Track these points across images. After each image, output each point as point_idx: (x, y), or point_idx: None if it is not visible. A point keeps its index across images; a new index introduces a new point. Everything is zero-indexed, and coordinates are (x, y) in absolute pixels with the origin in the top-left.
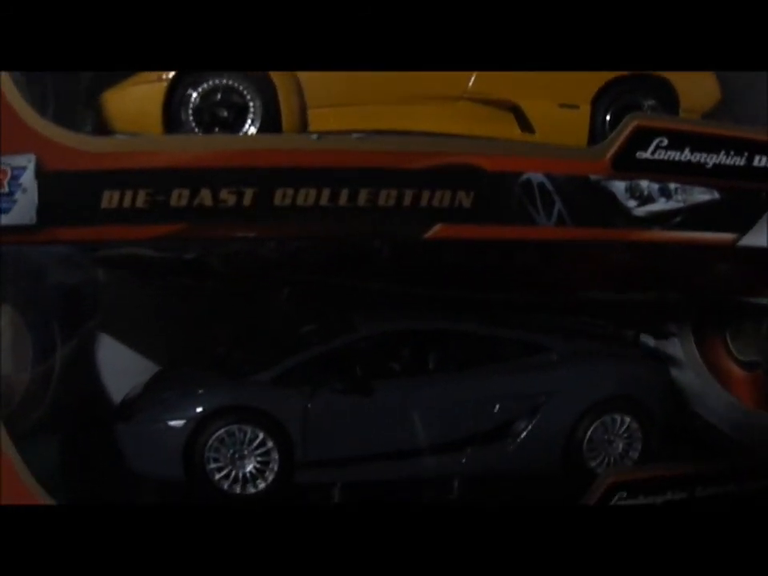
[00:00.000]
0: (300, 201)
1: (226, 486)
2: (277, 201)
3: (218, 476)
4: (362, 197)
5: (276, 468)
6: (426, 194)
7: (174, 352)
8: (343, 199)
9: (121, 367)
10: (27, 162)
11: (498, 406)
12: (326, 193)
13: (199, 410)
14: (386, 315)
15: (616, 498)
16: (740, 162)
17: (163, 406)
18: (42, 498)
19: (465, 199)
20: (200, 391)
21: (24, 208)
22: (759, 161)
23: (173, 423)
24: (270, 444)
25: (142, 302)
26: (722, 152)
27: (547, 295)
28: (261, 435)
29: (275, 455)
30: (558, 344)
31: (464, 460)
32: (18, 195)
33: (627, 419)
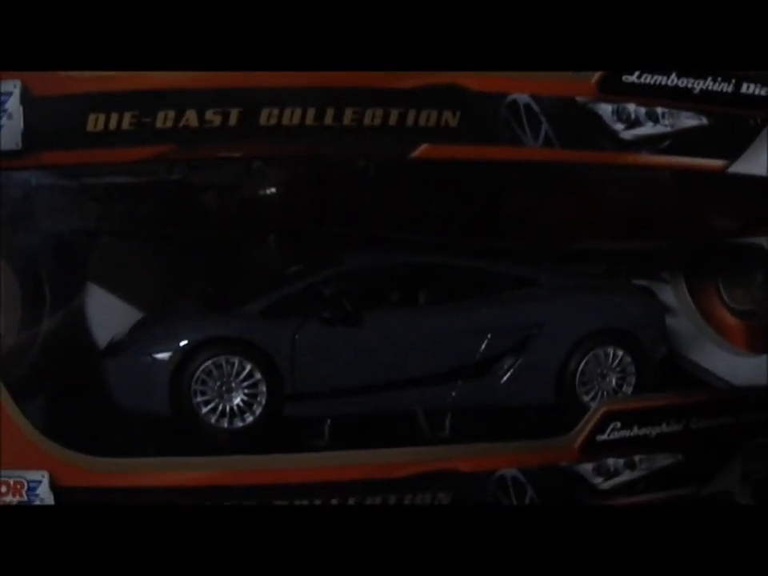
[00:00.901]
0: (285, 120)
1: (213, 420)
2: (262, 120)
3: (204, 410)
4: (348, 116)
5: (264, 401)
6: (412, 114)
7: (163, 300)
8: (329, 118)
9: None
10: (13, 88)
11: (487, 338)
12: (311, 112)
13: (185, 341)
14: (375, 250)
15: (610, 428)
16: (728, 88)
17: (149, 339)
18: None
19: (451, 119)
20: (187, 324)
21: (10, 133)
22: (747, 88)
23: (159, 356)
24: (257, 376)
25: (132, 251)
26: (710, 78)
27: (538, 243)
28: (248, 367)
29: (263, 387)
30: (547, 278)
31: (455, 393)
32: (3, 121)
33: (620, 353)
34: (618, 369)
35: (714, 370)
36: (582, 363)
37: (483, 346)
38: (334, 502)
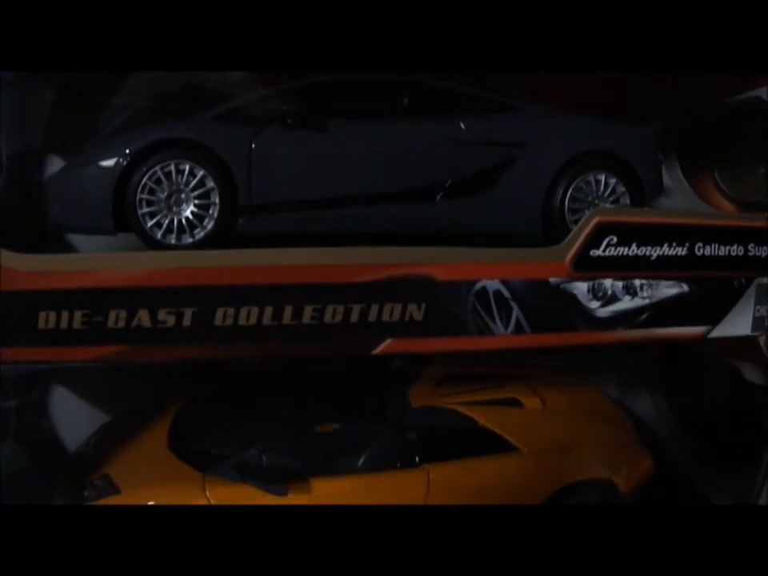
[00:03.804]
0: None
1: (158, 236)
2: None
3: (150, 223)
4: None
5: (216, 213)
6: None
7: None
8: None
9: None
10: None
11: (466, 154)
12: None
13: (132, 147)
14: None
15: (605, 243)
16: None
17: (96, 151)
18: None
19: None
20: (136, 132)
21: None
22: None
23: (103, 163)
24: (210, 184)
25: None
26: None
27: None
28: (200, 174)
29: (215, 198)
30: (531, 105)
31: (430, 213)
32: None
33: (612, 180)
34: (610, 198)
35: None
36: (571, 189)
37: (461, 163)
38: (288, 309)
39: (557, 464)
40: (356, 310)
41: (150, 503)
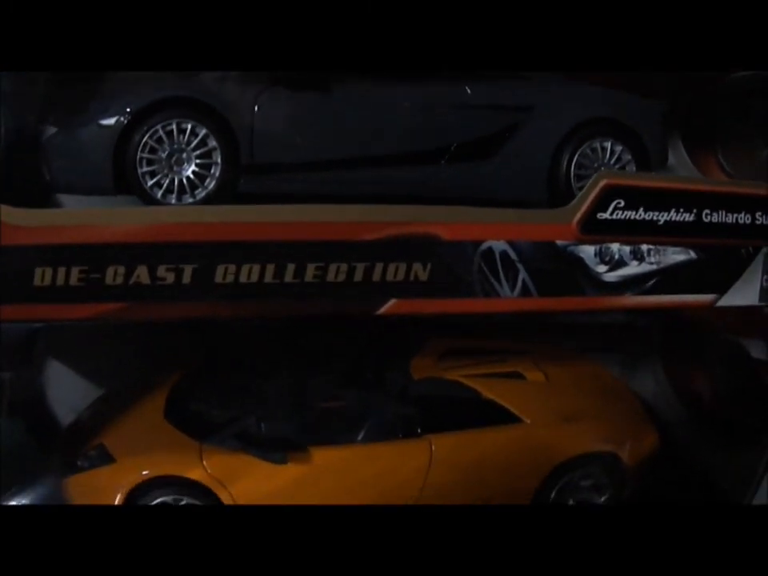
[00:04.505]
0: None
1: (158, 196)
2: None
3: (150, 182)
4: None
5: (218, 173)
6: None
7: None
8: None
9: None
10: None
11: (471, 117)
12: None
13: (133, 105)
14: None
15: (612, 206)
16: None
17: (96, 110)
18: None
19: None
20: (138, 90)
21: None
22: None
23: (104, 122)
24: (212, 143)
25: None
26: None
27: None
28: (202, 133)
29: (217, 158)
30: (537, 73)
31: (436, 176)
32: None
33: (618, 148)
34: (616, 166)
35: None
36: (577, 155)
37: (466, 126)
38: (291, 267)
39: (560, 436)
40: (360, 268)
41: (145, 473)
